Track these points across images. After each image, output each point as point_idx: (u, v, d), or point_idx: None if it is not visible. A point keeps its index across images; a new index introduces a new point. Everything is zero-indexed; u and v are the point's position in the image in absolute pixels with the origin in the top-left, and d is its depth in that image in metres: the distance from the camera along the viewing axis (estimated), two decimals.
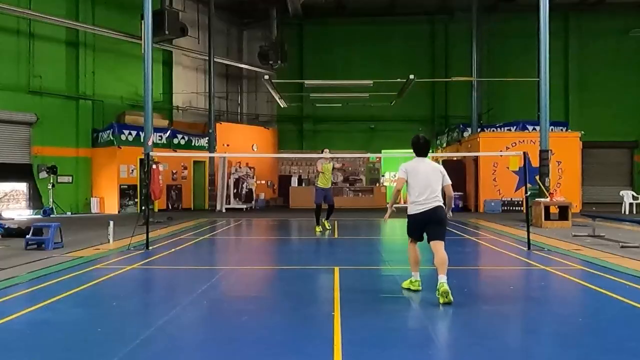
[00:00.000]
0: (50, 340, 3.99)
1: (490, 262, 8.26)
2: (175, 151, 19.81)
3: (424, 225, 5.37)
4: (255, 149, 23.53)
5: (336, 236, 11.55)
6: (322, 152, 12.00)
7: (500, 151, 16.20)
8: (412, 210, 5.39)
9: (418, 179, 5.34)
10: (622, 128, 24.11)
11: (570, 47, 24.55)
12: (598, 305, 5.19)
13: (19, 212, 16.99)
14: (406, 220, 5.51)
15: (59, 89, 18.45)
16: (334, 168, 12.41)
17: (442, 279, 5.03)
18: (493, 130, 20.64)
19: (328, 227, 12.24)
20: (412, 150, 5.54)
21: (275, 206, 23.28)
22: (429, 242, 5.34)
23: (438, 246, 5.25)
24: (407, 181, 5.43)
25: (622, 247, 8.75)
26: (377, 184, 23.30)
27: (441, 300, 4.92)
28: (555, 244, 9.40)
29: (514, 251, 8.70)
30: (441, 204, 5.34)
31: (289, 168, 25.21)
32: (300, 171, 24.88)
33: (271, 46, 23.30)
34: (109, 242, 9.52)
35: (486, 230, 12.09)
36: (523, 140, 18.04)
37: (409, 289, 5.54)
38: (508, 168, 17.94)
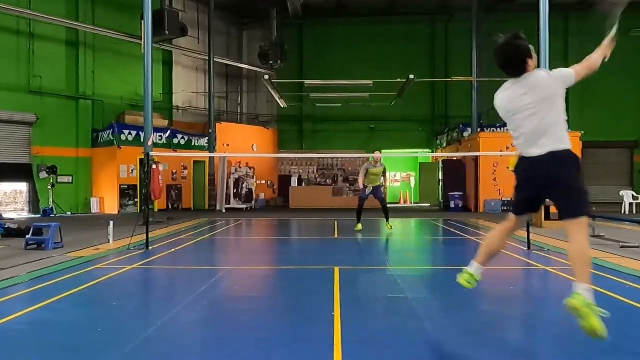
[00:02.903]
0: (50, 340, 3.99)
1: (491, 262, 8.25)
2: (175, 151, 19.81)
3: (536, 188, 3.46)
4: (255, 149, 23.53)
5: (336, 236, 11.55)
6: (373, 153, 12.09)
7: (500, 151, 16.19)
8: (519, 152, 3.52)
9: (514, 117, 3.49)
10: (622, 128, 24.11)
11: (570, 47, 24.54)
12: (598, 305, 5.18)
13: (19, 212, 17.00)
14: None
15: (59, 89, 18.46)
16: (384, 171, 12.38)
17: (576, 287, 3.40)
18: (493, 130, 20.64)
19: (390, 229, 12.20)
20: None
21: (275, 206, 23.28)
22: (560, 219, 3.51)
23: (572, 228, 3.50)
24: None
25: (622, 247, 8.75)
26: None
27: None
28: (556, 244, 9.39)
29: (514, 251, 8.69)
30: (565, 147, 3.31)
31: (289, 168, 25.22)
32: (300, 171, 24.90)
33: (271, 46, 23.30)
34: (109, 242, 9.52)
35: (486, 230, 12.08)
36: None
37: (467, 280, 3.89)
38: (508, 168, 17.92)
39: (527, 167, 3.46)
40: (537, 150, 3.36)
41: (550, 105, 3.33)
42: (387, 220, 12.24)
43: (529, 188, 3.52)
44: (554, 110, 3.34)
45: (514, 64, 3.48)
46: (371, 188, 11.93)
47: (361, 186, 11.95)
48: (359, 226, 12.17)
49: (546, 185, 3.39)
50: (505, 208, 18.41)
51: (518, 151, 3.55)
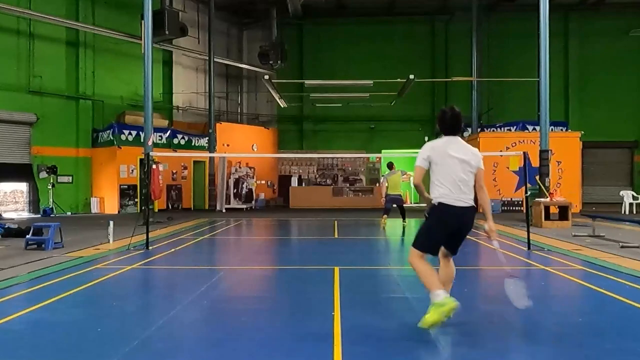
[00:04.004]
0: (50, 340, 3.99)
1: (490, 262, 8.25)
2: (175, 151, 19.81)
3: (453, 232, 4.13)
4: (255, 149, 23.53)
5: (336, 236, 11.55)
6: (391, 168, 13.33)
7: (500, 151, 16.21)
8: (443, 200, 4.07)
9: (445, 163, 4.07)
10: (622, 128, 24.09)
11: (570, 47, 24.53)
12: (598, 305, 5.19)
13: (19, 212, 17.00)
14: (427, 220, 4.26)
15: (59, 89, 18.45)
16: (404, 174, 13.49)
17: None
18: (493, 130, 20.65)
19: (405, 224, 13.04)
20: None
21: (275, 206, 23.28)
22: (445, 256, 4.28)
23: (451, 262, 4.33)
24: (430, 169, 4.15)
25: (622, 247, 8.75)
26: (377, 184, 23.28)
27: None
28: (555, 244, 9.40)
29: (514, 251, 8.69)
30: (474, 205, 4.14)
31: (289, 168, 25.21)
32: (300, 171, 24.90)
33: (271, 46, 23.29)
34: (109, 242, 9.52)
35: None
36: (523, 140, 18.05)
37: (440, 318, 3.95)
38: (508, 168, 17.96)
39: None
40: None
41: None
42: (404, 219, 13.11)
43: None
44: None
45: (457, 128, 4.29)
46: (394, 197, 12.92)
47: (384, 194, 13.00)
48: (385, 218, 12.98)
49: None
50: (505, 208, 18.44)
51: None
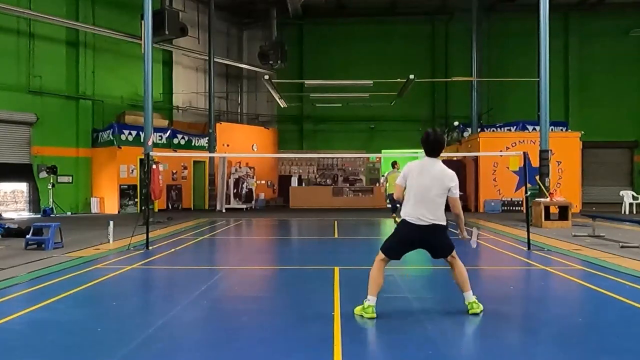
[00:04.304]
0: (50, 340, 3.99)
1: (491, 262, 8.25)
2: (175, 151, 19.80)
3: (416, 245, 4.60)
4: (255, 149, 23.53)
5: (336, 236, 11.55)
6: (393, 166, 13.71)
7: (500, 151, 16.20)
8: (407, 216, 4.51)
9: (417, 183, 4.47)
10: (622, 128, 24.10)
11: (570, 47, 24.54)
12: (598, 305, 5.19)
13: (19, 212, 17.00)
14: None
15: (59, 89, 18.45)
16: None
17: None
18: (493, 130, 20.64)
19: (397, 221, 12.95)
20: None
21: (275, 206, 23.28)
22: (446, 261, 4.74)
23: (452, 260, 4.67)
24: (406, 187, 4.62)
25: (622, 247, 8.75)
26: (377, 184, 23.30)
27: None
28: (555, 244, 9.40)
29: (514, 251, 8.70)
30: (441, 223, 4.49)
31: (289, 168, 25.21)
32: (300, 171, 24.90)
33: (271, 46, 23.29)
34: (109, 242, 9.52)
35: (486, 230, 12.07)
36: (523, 140, 18.04)
37: (361, 316, 4.50)
38: (508, 168, 17.95)
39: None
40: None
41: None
42: (395, 213, 13.05)
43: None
44: None
45: (437, 150, 4.60)
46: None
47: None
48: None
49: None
50: (505, 208, 18.43)
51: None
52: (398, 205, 13.03)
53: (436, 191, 4.43)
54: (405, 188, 4.60)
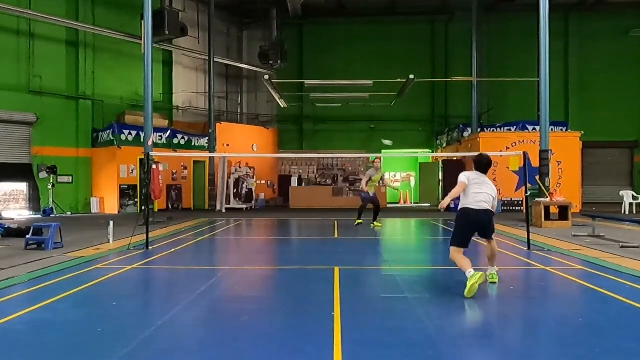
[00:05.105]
0: (50, 340, 3.99)
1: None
2: (175, 151, 19.81)
3: (475, 227, 5.72)
4: (255, 149, 23.54)
5: (336, 236, 11.55)
6: (373, 163, 13.44)
7: (500, 151, 16.20)
8: (468, 205, 5.66)
9: (476, 183, 5.74)
10: (622, 128, 24.11)
11: (570, 47, 24.55)
12: (598, 305, 5.19)
13: (19, 212, 17.00)
14: (455, 223, 5.73)
15: (59, 89, 18.45)
16: (382, 177, 14.02)
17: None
18: (493, 130, 20.63)
19: (379, 225, 13.15)
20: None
21: (275, 206, 23.28)
22: (488, 240, 5.94)
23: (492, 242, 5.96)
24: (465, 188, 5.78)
25: (622, 247, 8.75)
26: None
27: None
28: (555, 244, 9.40)
29: (514, 251, 8.69)
30: (492, 210, 5.81)
31: (289, 168, 25.20)
32: (300, 171, 24.89)
33: (271, 46, 23.30)
34: (109, 242, 9.52)
35: None
36: (523, 140, 18.04)
37: (478, 285, 5.26)
38: (508, 168, 17.94)
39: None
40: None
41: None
42: (375, 220, 13.22)
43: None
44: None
45: (486, 169, 5.92)
46: (373, 191, 13.17)
47: (365, 189, 13.06)
48: (360, 221, 13.26)
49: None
50: (505, 208, 18.43)
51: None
52: (363, 211, 13.17)
53: (487, 191, 5.78)
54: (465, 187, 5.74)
